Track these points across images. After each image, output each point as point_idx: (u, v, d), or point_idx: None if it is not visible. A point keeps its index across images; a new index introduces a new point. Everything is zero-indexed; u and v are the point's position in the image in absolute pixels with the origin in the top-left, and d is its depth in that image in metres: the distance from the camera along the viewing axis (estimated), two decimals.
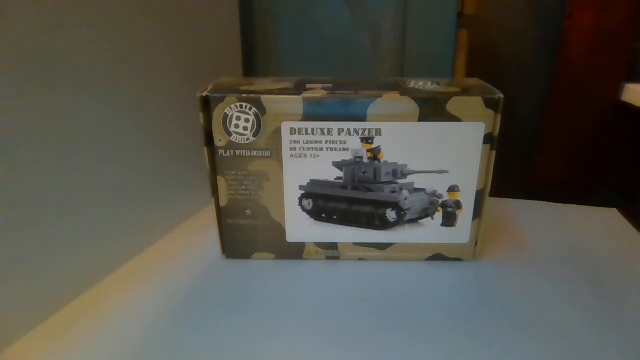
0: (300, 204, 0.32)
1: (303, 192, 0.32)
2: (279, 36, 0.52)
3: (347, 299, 0.29)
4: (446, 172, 0.31)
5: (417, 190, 0.31)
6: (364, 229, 0.33)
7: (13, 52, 0.23)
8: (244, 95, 0.29)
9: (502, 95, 0.29)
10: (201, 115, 0.30)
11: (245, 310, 0.28)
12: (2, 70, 0.23)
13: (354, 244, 0.33)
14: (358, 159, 0.31)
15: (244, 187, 0.32)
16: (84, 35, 0.27)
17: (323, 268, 0.33)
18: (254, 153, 0.31)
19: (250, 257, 0.34)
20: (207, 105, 0.30)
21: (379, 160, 0.31)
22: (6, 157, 0.23)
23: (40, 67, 0.25)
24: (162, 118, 0.35)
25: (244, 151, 0.31)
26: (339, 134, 0.30)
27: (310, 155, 0.31)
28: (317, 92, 0.29)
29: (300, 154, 0.31)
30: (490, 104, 0.29)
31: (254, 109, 0.30)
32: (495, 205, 0.44)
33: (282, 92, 0.30)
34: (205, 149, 0.31)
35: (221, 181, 0.32)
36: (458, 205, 0.32)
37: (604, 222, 0.41)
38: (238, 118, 0.30)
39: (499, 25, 0.67)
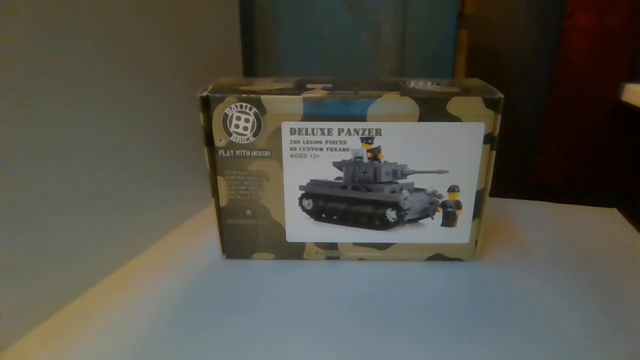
0: (300, 204, 0.32)
1: (303, 192, 0.32)
2: (279, 36, 0.52)
3: (347, 299, 0.29)
4: (446, 172, 0.31)
5: (417, 190, 0.31)
6: (364, 229, 0.33)
7: (13, 53, 0.23)
8: (244, 95, 0.29)
9: (502, 95, 0.29)
10: (201, 115, 0.30)
11: (245, 310, 0.28)
12: (3, 71, 0.23)
13: (354, 244, 0.33)
14: (358, 159, 0.31)
15: (244, 187, 0.32)
16: (83, 35, 0.27)
17: (323, 268, 0.33)
18: (254, 153, 0.31)
19: (250, 257, 0.34)
20: (207, 105, 0.30)
21: (379, 160, 0.31)
22: (7, 157, 0.23)
23: (41, 68, 0.25)
24: (162, 118, 0.35)
25: (244, 151, 0.31)
26: (339, 134, 0.30)
27: (310, 155, 0.31)
28: (317, 92, 0.29)
29: (300, 154, 0.31)
30: (490, 104, 0.29)
31: (254, 109, 0.30)
32: (495, 205, 0.44)
33: (282, 92, 0.30)
34: (205, 149, 0.31)
35: (221, 181, 0.32)
36: (458, 205, 0.32)
37: (604, 222, 0.41)
38: (238, 118, 0.30)
39: (499, 25, 0.67)
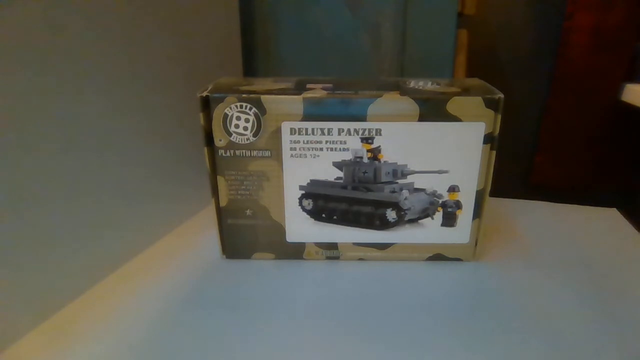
0: (300, 204, 0.32)
1: (303, 192, 0.32)
2: (279, 36, 0.52)
3: (347, 299, 0.29)
4: (446, 172, 0.31)
5: (417, 190, 0.31)
6: (364, 229, 0.33)
7: (15, 51, 0.23)
8: (244, 95, 0.29)
9: (502, 95, 0.29)
10: (201, 115, 0.30)
11: (245, 310, 0.28)
12: (5, 69, 0.23)
13: (354, 244, 0.33)
14: (358, 159, 0.31)
15: (244, 187, 0.32)
16: (84, 35, 0.27)
17: (323, 268, 0.33)
18: (254, 153, 0.31)
19: (250, 257, 0.34)
20: (207, 105, 0.30)
21: (379, 160, 0.31)
22: (8, 155, 0.23)
23: (43, 67, 0.25)
24: (162, 118, 0.35)
25: (244, 151, 0.31)
26: (339, 134, 0.30)
27: (310, 155, 0.31)
28: (317, 92, 0.29)
29: (300, 154, 0.31)
30: (490, 104, 0.29)
31: (254, 109, 0.30)
32: (495, 205, 0.44)
33: (282, 92, 0.30)
34: (205, 149, 0.31)
35: (221, 181, 0.32)
36: (458, 205, 0.32)
37: (604, 222, 0.41)
38: (238, 118, 0.30)
39: (499, 25, 0.67)
